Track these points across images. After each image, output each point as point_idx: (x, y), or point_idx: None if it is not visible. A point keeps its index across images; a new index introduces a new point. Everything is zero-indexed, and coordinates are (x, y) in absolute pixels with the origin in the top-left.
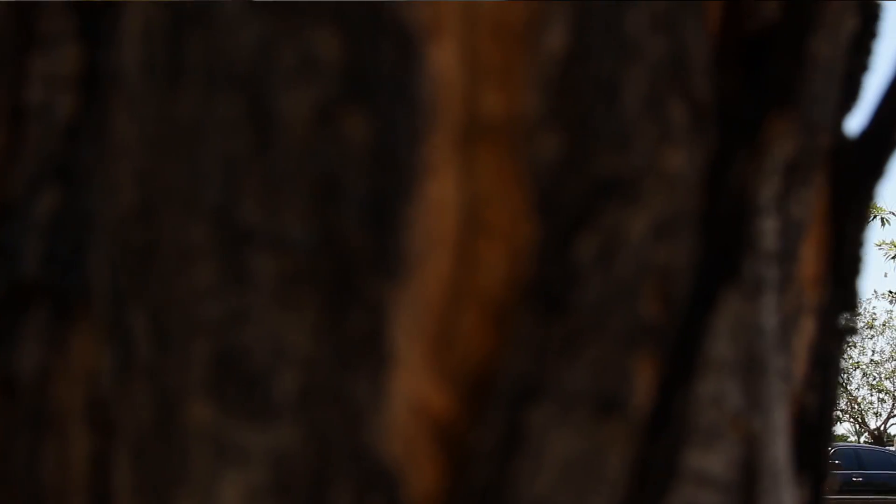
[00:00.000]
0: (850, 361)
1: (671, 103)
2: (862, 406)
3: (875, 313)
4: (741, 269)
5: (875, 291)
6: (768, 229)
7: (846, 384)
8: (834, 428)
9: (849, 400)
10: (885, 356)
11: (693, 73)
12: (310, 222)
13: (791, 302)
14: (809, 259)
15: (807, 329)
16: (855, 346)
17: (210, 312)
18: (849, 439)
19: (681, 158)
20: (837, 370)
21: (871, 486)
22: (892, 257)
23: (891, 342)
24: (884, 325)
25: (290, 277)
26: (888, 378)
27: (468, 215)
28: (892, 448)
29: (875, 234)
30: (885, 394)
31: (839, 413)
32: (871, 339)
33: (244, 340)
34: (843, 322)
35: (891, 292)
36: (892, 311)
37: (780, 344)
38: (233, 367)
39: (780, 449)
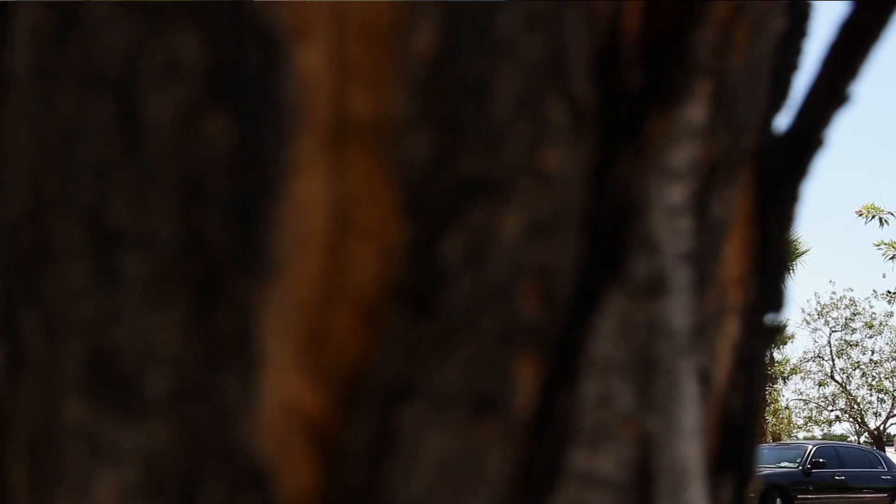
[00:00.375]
0: (850, 361)
1: (549, 102)
2: (861, 406)
3: (874, 313)
4: (626, 268)
5: (874, 291)
6: (680, 229)
7: (846, 384)
8: (833, 427)
9: (848, 400)
10: (885, 356)
11: (573, 73)
12: (176, 223)
13: (713, 302)
14: (733, 259)
15: (730, 330)
16: (855, 346)
17: (84, 312)
18: (849, 439)
19: (559, 158)
20: (763, 371)
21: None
22: (891, 258)
23: (890, 342)
24: (881, 324)
25: (159, 278)
26: (888, 378)
27: (338, 215)
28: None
29: (874, 234)
30: (885, 394)
31: (839, 413)
32: (871, 339)
33: (116, 340)
34: (769, 322)
35: (889, 292)
36: (891, 311)
37: (694, 344)
38: (106, 367)
39: (685, 450)
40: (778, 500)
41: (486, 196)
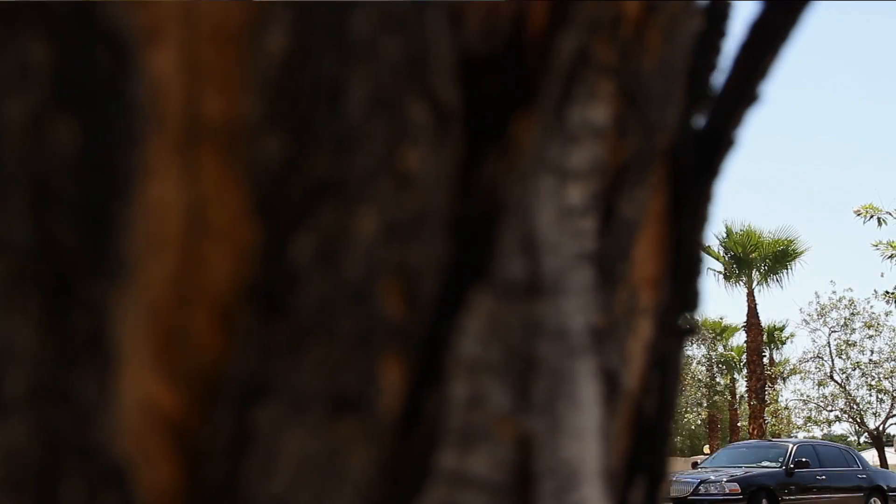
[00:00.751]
0: (850, 361)
1: (409, 103)
2: (861, 406)
3: (874, 313)
4: (494, 268)
5: (875, 292)
6: (579, 230)
7: (845, 384)
8: (833, 427)
9: (848, 400)
10: (884, 356)
11: (435, 74)
12: (28, 225)
13: (623, 303)
14: (645, 259)
15: (643, 330)
16: (854, 346)
17: None
18: (849, 439)
19: (419, 158)
20: (677, 371)
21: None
22: (889, 257)
23: (889, 342)
24: (878, 325)
25: (14, 279)
26: (887, 378)
27: (192, 217)
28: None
29: (872, 234)
30: (885, 394)
31: (838, 413)
32: (871, 339)
33: None
34: (683, 322)
35: (888, 293)
36: (890, 311)
37: (596, 345)
38: None
39: (575, 451)
40: (764, 500)
41: (337, 197)
